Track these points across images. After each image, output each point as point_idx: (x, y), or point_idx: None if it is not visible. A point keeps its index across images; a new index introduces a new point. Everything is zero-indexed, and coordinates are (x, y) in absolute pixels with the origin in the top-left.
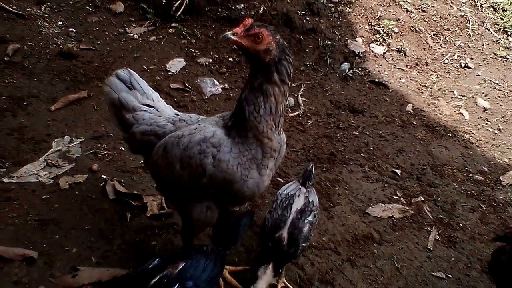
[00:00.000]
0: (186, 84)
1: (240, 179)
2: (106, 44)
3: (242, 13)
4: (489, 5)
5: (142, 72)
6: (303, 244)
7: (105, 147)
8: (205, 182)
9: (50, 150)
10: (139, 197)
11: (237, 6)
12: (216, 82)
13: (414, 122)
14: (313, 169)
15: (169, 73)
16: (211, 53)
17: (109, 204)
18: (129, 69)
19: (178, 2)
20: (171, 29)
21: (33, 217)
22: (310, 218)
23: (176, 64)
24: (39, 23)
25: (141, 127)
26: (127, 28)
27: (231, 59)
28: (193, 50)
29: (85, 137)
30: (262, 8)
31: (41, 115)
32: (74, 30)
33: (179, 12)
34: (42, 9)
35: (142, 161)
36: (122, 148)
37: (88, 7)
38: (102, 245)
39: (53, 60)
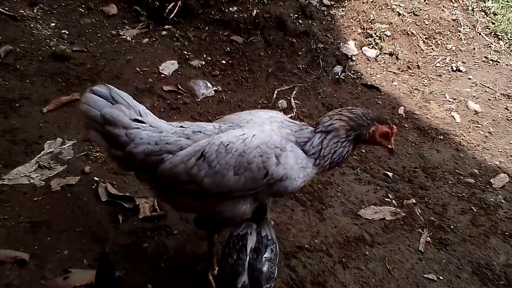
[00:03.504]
0: (179, 87)
1: (293, 177)
2: (99, 46)
3: (235, 16)
4: (480, 9)
5: (135, 74)
6: (267, 286)
7: (97, 149)
8: (265, 182)
9: (42, 152)
10: (131, 199)
11: (230, 9)
12: (209, 85)
13: (406, 125)
14: (267, 206)
15: (162, 75)
16: (204, 56)
17: (101, 206)
18: (107, 84)
19: (171, 4)
20: (164, 32)
21: (24, 219)
22: (267, 255)
23: (169, 66)
24: (32, 25)
25: (142, 147)
26: (120, 30)
27: (224, 61)
28: (186, 53)
29: (77, 139)
30: (255, 11)
31: (33, 117)
32: (67, 32)
33: (172, 15)
34: (35, 11)
35: (135, 176)
36: None
37: (81, 9)
38: (94, 247)
39: (46, 62)
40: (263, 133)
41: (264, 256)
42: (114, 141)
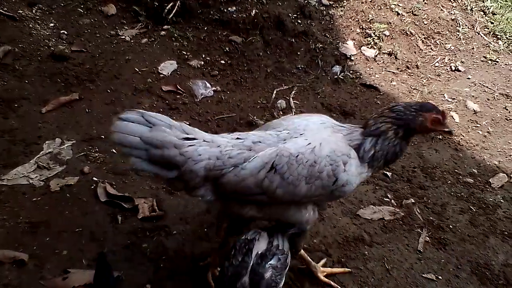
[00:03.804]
0: (178, 87)
1: (352, 183)
2: (97, 46)
3: (234, 15)
4: (479, 9)
5: (133, 75)
6: None
7: (97, 149)
8: (333, 188)
9: (41, 152)
10: (130, 199)
11: (229, 9)
12: (208, 85)
13: None
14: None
15: (161, 76)
16: (203, 56)
17: (100, 207)
18: (136, 109)
19: (170, 4)
20: (163, 32)
21: (23, 220)
22: (272, 262)
23: (168, 67)
24: (30, 25)
25: (202, 163)
26: (119, 31)
27: (223, 61)
28: (185, 53)
29: (76, 139)
30: (254, 11)
31: (32, 117)
32: (66, 32)
33: (171, 15)
34: (34, 11)
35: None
36: (114, 150)
37: (80, 9)
38: (93, 248)
39: (45, 62)
40: (328, 141)
41: (269, 263)
42: (165, 163)
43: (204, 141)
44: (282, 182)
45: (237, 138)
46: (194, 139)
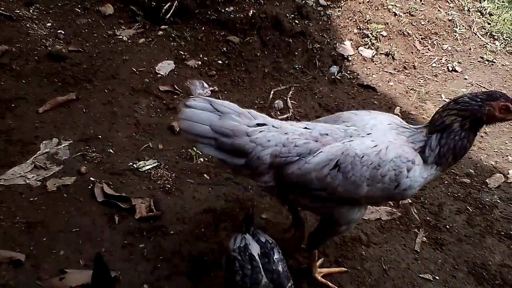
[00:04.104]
0: (176, 87)
1: (414, 187)
2: (95, 46)
3: (231, 16)
4: (476, 10)
5: (131, 74)
6: (289, 284)
7: (94, 149)
8: (395, 191)
9: (38, 152)
10: (127, 199)
11: (226, 9)
12: (206, 85)
13: None
14: (253, 212)
15: (159, 76)
16: (201, 56)
17: (97, 207)
18: (203, 97)
19: (168, 4)
20: (160, 32)
21: (20, 220)
22: (276, 256)
23: (165, 67)
24: (28, 25)
25: (269, 150)
26: (116, 30)
27: (220, 61)
28: (182, 53)
29: (74, 139)
30: (251, 11)
31: (29, 117)
32: (63, 32)
33: (169, 15)
34: (31, 11)
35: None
36: (111, 150)
37: (77, 9)
38: (90, 248)
39: (42, 62)
40: (394, 145)
41: (275, 257)
42: (234, 150)
43: (273, 126)
44: (344, 181)
45: (305, 128)
46: (264, 124)
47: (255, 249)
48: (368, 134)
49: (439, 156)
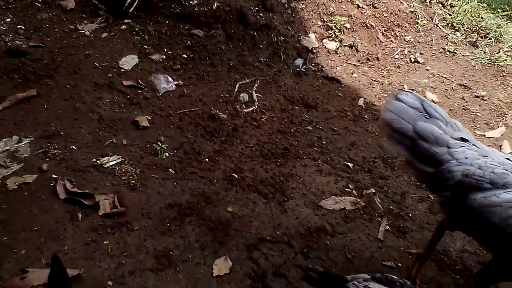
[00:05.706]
0: (139, 81)
1: None
2: (56, 41)
3: (195, 9)
4: (437, 1)
5: (93, 69)
6: None
7: (56, 146)
8: None
9: None
10: (91, 196)
11: (190, 2)
12: (170, 79)
13: (366, 116)
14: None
15: (122, 70)
16: (165, 50)
17: (59, 204)
18: (416, 94)
19: None
20: (123, 26)
21: None
22: None
23: (129, 61)
24: None
25: (462, 167)
26: (78, 25)
27: (185, 55)
28: (146, 47)
29: (35, 136)
30: (215, 4)
31: None
32: (23, 27)
33: (132, 9)
34: None
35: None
36: (73, 147)
37: (38, 4)
38: (52, 246)
39: (1, 58)
40: None
41: None
42: (427, 156)
43: (474, 145)
44: None
45: (507, 159)
46: (467, 140)
47: None
48: None
49: None
